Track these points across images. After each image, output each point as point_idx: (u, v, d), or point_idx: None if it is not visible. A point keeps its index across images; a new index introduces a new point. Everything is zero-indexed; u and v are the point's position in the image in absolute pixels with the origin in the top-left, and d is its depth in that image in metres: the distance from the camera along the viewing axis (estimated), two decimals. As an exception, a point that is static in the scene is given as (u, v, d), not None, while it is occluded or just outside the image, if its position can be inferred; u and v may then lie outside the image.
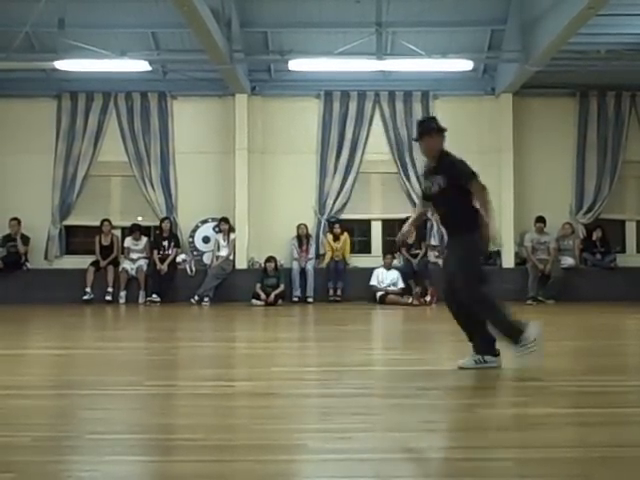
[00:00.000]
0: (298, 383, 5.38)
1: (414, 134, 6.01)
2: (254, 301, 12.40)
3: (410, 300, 12.39)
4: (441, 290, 5.93)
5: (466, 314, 5.63)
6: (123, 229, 13.79)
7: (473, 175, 5.67)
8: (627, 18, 11.35)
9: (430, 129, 5.80)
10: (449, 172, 5.70)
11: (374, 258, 13.56)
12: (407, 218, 12.92)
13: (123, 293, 12.89)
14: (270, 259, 12.71)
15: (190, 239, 13.61)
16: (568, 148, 13.89)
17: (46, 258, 13.59)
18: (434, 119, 5.99)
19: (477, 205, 5.65)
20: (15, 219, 13.23)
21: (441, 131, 5.79)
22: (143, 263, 13.08)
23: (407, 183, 13.65)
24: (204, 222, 13.63)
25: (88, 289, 12.80)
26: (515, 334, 5.42)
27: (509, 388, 5.21)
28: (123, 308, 12.39)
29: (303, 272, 13.03)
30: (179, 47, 13.02)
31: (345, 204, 13.77)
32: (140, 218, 13.74)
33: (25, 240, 13.26)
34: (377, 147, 13.71)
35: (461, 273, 5.55)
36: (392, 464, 3.34)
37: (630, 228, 14.24)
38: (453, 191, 5.66)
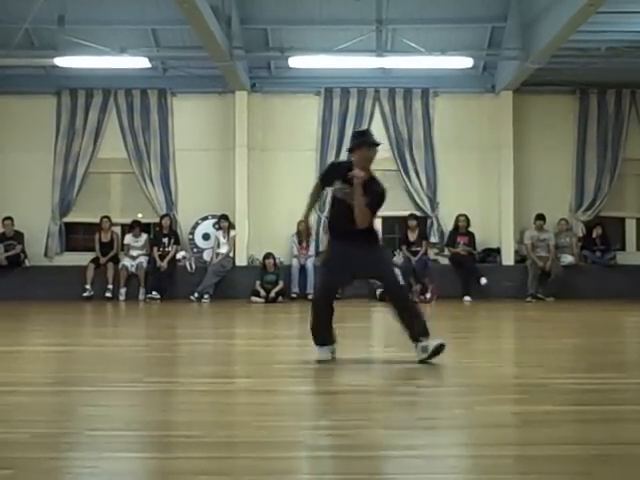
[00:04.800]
0: (297, 380, 5.37)
1: (353, 142, 5.91)
2: (254, 298, 12.39)
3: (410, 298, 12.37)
4: (326, 289, 5.96)
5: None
6: (123, 226, 13.79)
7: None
8: (627, 16, 11.33)
9: (376, 141, 5.87)
10: (373, 199, 5.74)
11: (374, 255, 13.52)
12: (409, 215, 13.24)
13: (123, 290, 12.88)
14: (268, 256, 12.70)
15: (190, 236, 13.61)
16: (568, 146, 13.88)
17: (46, 255, 13.58)
18: (371, 132, 6.09)
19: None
20: (8, 218, 13.21)
21: (379, 145, 5.89)
22: (143, 260, 13.08)
23: (407, 180, 13.65)
24: (204, 219, 13.62)
25: (88, 286, 12.80)
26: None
27: (508, 385, 5.21)
28: (123, 305, 12.39)
29: (303, 269, 13.02)
30: (179, 44, 13.01)
31: (344, 201, 13.74)
32: (140, 215, 13.74)
33: (19, 237, 13.25)
34: (377, 144, 13.67)
35: (393, 273, 6.12)
36: (391, 461, 3.34)
37: (630, 226, 14.23)
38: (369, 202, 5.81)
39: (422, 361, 5.71)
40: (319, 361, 5.86)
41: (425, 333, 5.77)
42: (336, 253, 5.92)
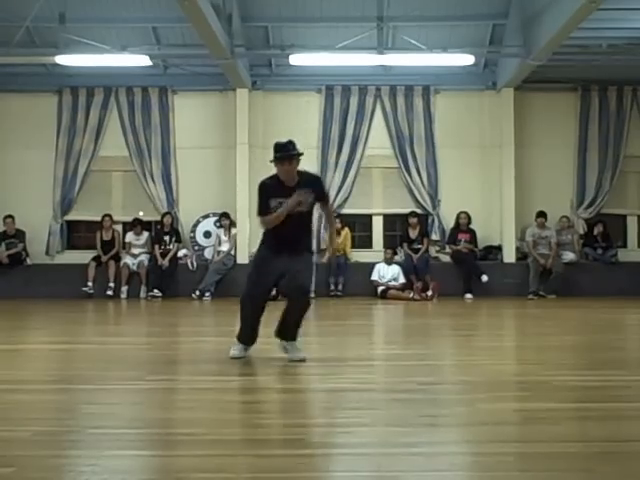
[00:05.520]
0: (299, 378, 5.38)
1: (273, 155, 5.86)
2: (255, 296, 12.36)
3: (411, 295, 12.38)
4: (252, 292, 6.19)
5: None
6: (124, 224, 13.79)
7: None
8: (628, 12, 11.30)
9: (297, 154, 5.84)
10: (315, 186, 5.89)
11: (375, 253, 13.56)
12: (410, 213, 13.24)
13: (124, 288, 12.88)
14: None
15: (191, 234, 13.61)
16: (569, 143, 13.86)
17: (47, 253, 13.58)
18: (294, 143, 5.89)
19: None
20: (9, 216, 13.23)
21: (301, 155, 5.89)
22: (144, 258, 13.08)
23: (408, 178, 13.64)
24: (205, 217, 13.62)
25: (89, 284, 12.80)
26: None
27: (510, 383, 5.21)
28: (124, 303, 12.40)
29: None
30: (180, 42, 13.01)
31: (346, 199, 13.76)
32: (141, 213, 13.73)
33: (21, 236, 13.26)
34: (378, 142, 13.69)
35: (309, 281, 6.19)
36: (393, 459, 3.34)
37: (631, 223, 14.21)
38: (311, 210, 5.95)
39: (292, 360, 5.87)
40: (232, 357, 5.97)
41: (294, 338, 6.03)
42: (266, 257, 6.11)
